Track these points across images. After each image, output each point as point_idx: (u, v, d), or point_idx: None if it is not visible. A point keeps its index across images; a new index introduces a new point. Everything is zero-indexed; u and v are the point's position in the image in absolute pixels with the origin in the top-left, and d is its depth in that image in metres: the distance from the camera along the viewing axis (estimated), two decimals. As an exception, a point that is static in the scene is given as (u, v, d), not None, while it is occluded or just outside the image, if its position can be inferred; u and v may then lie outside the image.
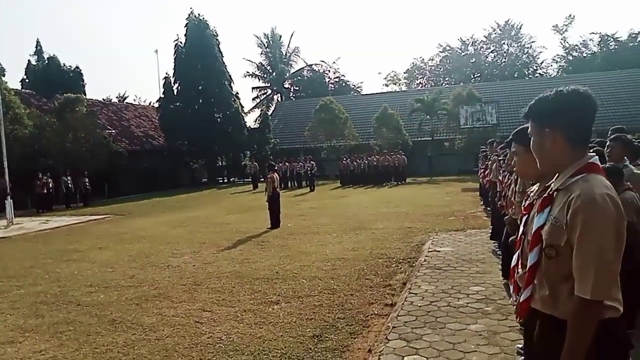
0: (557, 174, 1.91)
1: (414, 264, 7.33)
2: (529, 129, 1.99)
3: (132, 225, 14.24)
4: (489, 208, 10.68)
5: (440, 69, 55.97)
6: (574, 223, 1.72)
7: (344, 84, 55.83)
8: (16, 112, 20.66)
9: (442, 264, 7.05)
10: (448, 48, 54.31)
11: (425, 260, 7.35)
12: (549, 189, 1.91)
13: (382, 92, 47.44)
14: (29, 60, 37.41)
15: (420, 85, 55.94)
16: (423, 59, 57.02)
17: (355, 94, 51.59)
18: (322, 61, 56.79)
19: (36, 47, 38.02)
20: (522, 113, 2.02)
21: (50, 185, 20.57)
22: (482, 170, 11.37)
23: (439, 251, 7.97)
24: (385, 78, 58.81)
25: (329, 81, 56.30)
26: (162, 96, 32.90)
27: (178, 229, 12.87)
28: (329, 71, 56.59)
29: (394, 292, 6.05)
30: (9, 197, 15.81)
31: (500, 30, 51.90)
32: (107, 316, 5.72)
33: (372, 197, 18.98)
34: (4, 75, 19.02)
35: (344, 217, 13.14)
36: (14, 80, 30.86)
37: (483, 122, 28.52)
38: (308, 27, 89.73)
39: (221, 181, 34.97)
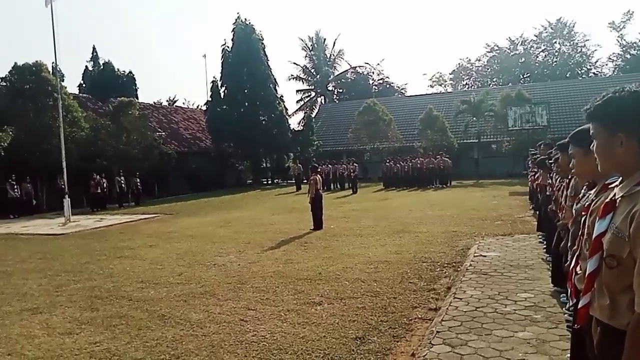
0: (619, 178, 1.83)
1: (459, 269, 7.19)
2: (592, 131, 1.88)
3: (180, 224, 14.70)
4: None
5: (488, 69, 54.60)
6: (637, 237, 1.63)
7: (387, 86, 55.47)
8: (74, 115, 21.76)
9: (489, 269, 6.88)
10: (496, 48, 52.94)
11: (470, 265, 7.20)
12: (612, 195, 1.83)
13: (427, 94, 46.80)
14: (86, 66, 39.33)
15: (467, 86, 54.77)
16: (469, 60, 55.87)
17: (400, 95, 51.13)
18: (366, 63, 56.77)
19: (92, 53, 39.92)
20: (582, 113, 1.92)
21: (105, 185, 21.57)
22: (531, 174, 11.00)
23: (485, 256, 7.78)
24: (430, 79, 58.06)
25: (372, 83, 56.09)
26: (210, 99, 33.81)
27: (224, 228, 13.18)
28: (373, 73, 56.44)
29: (438, 296, 5.97)
30: (66, 195, 16.68)
31: (551, 28, 50.07)
32: (157, 311, 5.93)
33: (415, 200, 18.75)
34: (63, 81, 20.04)
35: (387, 220, 13.05)
36: (72, 85, 32.92)
37: (533, 124, 27.57)
38: (352, 29, 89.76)
39: (265, 182, 35.51)
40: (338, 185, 27.21)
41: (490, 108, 30.01)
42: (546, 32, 50.47)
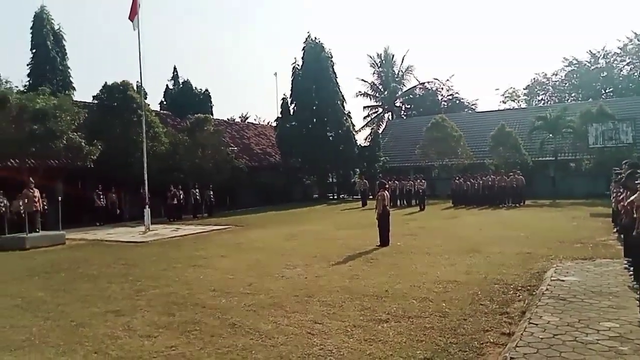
0: None
1: (534, 293, 6.85)
2: None
3: (250, 236, 15.16)
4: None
5: (566, 84, 51.81)
6: None
7: (457, 102, 54.21)
8: (155, 130, 23.21)
9: (567, 295, 6.49)
10: (575, 62, 50.14)
11: (547, 290, 6.83)
12: None
13: (499, 110, 45.21)
14: (167, 85, 41.87)
15: (542, 101, 52.27)
16: (545, 74, 53.29)
17: (470, 111, 49.76)
18: (435, 79, 55.83)
19: (173, 73, 42.47)
20: None
21: (181, 196, 22.75)
22: (615, 194, 10.29)
23: (563, 280, 7.36)
24: (503, 95, 55.84)
25: (441, 99, 55.08)
26: (280, 116, 34.77)
27: (291, 241, 13.43)
28: (442, 89, 55.44)
29: (511, 320, 5.72)
30: (147, 206, 17.76)
31: (638, 40, 46.74)
32: (228, 320, 6.16)
33: (486, 219, 18.08)
34: (146, 98, 21.50)
35: (456, 239, 12.70)
36: (154, 102, 35.20)
37: (616, 142, 25.79)
38: (422, 45, 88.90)
39: (331, 197, 35.76)
40: (405, 202, 26.83)
41: (568, 125, 28.44)
42: (632, 45, 47.20)
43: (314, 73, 32.82)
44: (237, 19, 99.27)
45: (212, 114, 33.21)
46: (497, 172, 26.33)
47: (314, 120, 33.42)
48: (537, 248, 10.69)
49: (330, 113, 33.32)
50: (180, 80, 41.34)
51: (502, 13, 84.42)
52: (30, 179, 15.70)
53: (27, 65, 31.04)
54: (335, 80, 34.34)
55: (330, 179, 37.32)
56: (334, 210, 25.08)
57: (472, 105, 54.41)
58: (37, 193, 15.10)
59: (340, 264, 9.69)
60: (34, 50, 30.90)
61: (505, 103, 55.12)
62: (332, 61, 34.38)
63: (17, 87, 20.81)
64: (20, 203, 15.50)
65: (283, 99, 34.54)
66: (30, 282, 8.97)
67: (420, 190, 24.68)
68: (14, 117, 17.23)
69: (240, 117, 55.24)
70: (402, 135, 39.55)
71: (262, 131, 40.41)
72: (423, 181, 25.47)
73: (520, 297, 6.74)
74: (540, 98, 53.66)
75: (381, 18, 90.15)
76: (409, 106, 56.24)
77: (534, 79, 54.09)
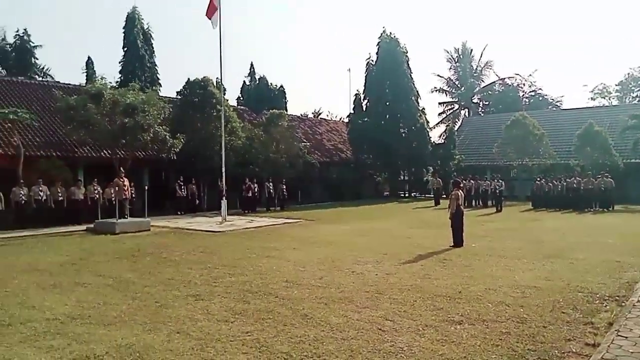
0: None
1: (623, 304, 6.39)
2: None
3: (320, 230, 15.36)
4: None
5: (665, 79, 47.33)
6: None
7: (540, 98, 51.27)
8: (233, 125, 24.14)
9: (663, 309, 5.98)
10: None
11: (639, 301, 6.33)
12: None
13: (587, 107, 42.14)
14: (244, 81, 43.43)
15: (637, 98, 48.11)
16: (642, 69, 48.96)
17: (554, 108, 46.88)
18: (516, 74, 53.09)
19: (250, 69, 43.95)
20: None
21: (256, 189, 23.51)
22: None
23: (658, 293, 6.78)
24: (592, 91, 52.04)
25: (523, 95, 52.35)
26: (352, 112, 34.81)
27: (361, 237, 13.45)
28: (524, 84, 52.64)
29: (596, 331, 5.37)
30: (224, 197, 18.55)
31: None
32: (300, 311, 6.31)
33: (570, 223, 17.02)
34: (225, 94, 22.37)
35: (536, 243, 12.08)
36: (232, 98, 36.99)
37: None
38: (502, 39, 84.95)
39: (402, 195, 35.29)
40: (480, 203, 25.90)
41: (668, 123, 25.97)
42: None
43: (388, 68, 32.49)
44: (313, 15, 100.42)
45: (286, 110, 33.95)
46: (584, 174, 24.64)
47: (387, 116, 33.10)
48: (627, 256, 9.92)
49: (404, 109, 32.84)
50: (257, 77, 42.68)
51: (591, 9, 78.57)
52: (121, 168, 16.96)
53: (119, 62, 33.50)
54: (410, 75, 33.78)
55: (402, 177, 36.84)
56: (406, 209, 24.75)
57: (557, 102, 51.21)
58: (126, 182, 16.30)
59: (411, 263, 9.57)
60: (125, 49, 33.26)
61: (594, 100, 51.41)
62: (407, 56, 33.84)
63: (110, 83, 22.45)
64: (112, 191, 16.81)
65: (356, 94, 34.53)
66: (120, 264, 9.72)
67: (498, 191, 23.70)
68: (107, 111, 18.65)
69: (313, 112, 55.95)
70: (479, 133, 38.13)
71: (334, 127, 40.66)
72: (501, 181, 24.44)
73: (607, 307, 6.30)
74: (635, 95, 49.47)
75: (459, 12, 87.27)
76: (487, 103, 54.04)
77: (629, 74, 49.93)
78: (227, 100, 26.91)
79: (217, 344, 5.11)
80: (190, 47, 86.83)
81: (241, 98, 42.15)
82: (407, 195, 35.51)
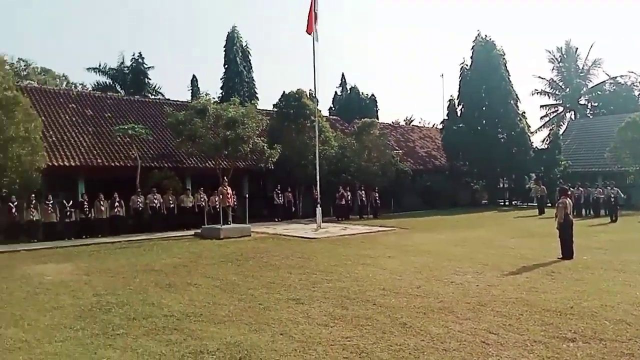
0: None
1: None
2: None
3: (415, 239, 15.12)
4: None
5: None
6: None
7: (660, 97, 46.12)
8: (326, 135, 24.69)
9: None
10: None
11: None
12: None
13: None
14: (335, 92, 44.27)
15: None
16: None
17: (677, 107, 41.88)
18: (629, 72, 48.27)
19: (341, 80, 44.69)
20: None
21: (349, 197, 23.75)
22: None
23: None
24: None
25: (639, 95, 47.44)
26: (446, 118, 33.92)
27: (459, 247, 13.03)
28: (639, 83, 47.66)
29: None
30: (318, 205, 18.98)
31: None
32: (399, 319, 6.28)
33: (702, 236, 15.08)
34: (318, 105, 22.96)
35: (660, 256, 10.88)
36: (324, 108, 37.96)
37: None
38: (611, 35, 77.79)
39: (502, 203, 33.56)
40: (591, 212, 23.86)
41: None
42: None
43: (484, 72, 31.27)
44: (404, 22, 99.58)
45: (377, 118, 34.01)
46: None
47: (484, 121, 31.84)
48: None
49: (502, 113, 31.37)
50: (348, 87, 43.26)
51: None
52: (224, 178, 18.05)
53: (221, 79, 35.80)
54: (508, 78, 32.22)
55: (501, 184, 35.09)
56: (506, 218, 23.51)
57: (680, 100, 45.73)
58: (229, 190, 17.32)
59: (514, 275, 9.09)
60: (226, 66, 35.48)
61: None
62: (504, 59, 32.34)
63: (213, 98, 24.01)
64: (216, 199, 17.95)
65: (450, 100, 33.65)
66: (225, 267, 10.35)
67: (612, 199, 21.68)
68: (211, 124, 19.98)
69: (405, 120, 55.33)
70: (588, 137, 35.23)
71: (427, 134, 39.88)
72: (615, 189, 22.33)
73: None
74: None
75: (560, 10, 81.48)
76: (595, 104, 49.69)
77: None
78: (320, 110, 27.54)
79: (318, 347, 5.26)
80: (285, 61, 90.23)
81: (333, 108, 42.97)
82: (507, 203, 33.70)
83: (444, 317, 6.36)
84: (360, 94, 40.57)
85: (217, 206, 17.44)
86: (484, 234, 16.22)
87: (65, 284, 8.73)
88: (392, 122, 42.09)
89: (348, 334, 5.71)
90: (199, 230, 16.70)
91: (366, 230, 17.71)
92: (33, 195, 16.10)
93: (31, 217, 15.79)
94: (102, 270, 10.12)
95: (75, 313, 6.71)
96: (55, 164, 17.95)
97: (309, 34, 18.91)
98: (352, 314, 6.58)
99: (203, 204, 19.04)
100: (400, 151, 31.19)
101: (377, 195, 24.90)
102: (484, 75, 31.25)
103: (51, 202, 16.26)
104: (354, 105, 38.51)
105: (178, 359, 4.98)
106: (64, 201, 16.76)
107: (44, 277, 9.36)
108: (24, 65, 41.73)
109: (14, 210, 15.52)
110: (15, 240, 15.19)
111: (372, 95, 40.54)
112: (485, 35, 32.36)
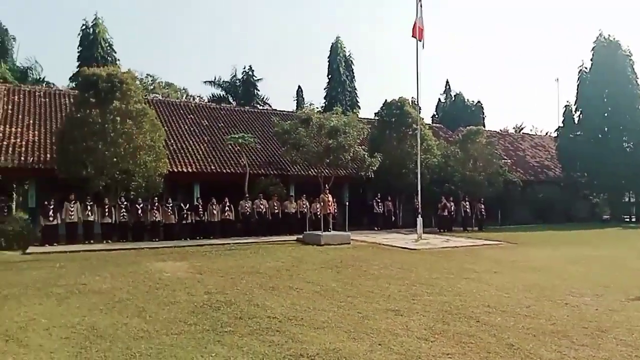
0: None
1: None
2: None
3: (524, 254, 14.18)
4: None
5: None
6: None
7: None
8: (428, 143, 24.16)
9: None
10: None
11: None
12: None
13: None
14: (439, 99, 43.18)
15: None
16: None
17: None
18: None
19: (445, 86, 43.52)
20: None
21: (452, 208, 22.95)
22: None
23: None
24: None
25: None
26: (561, 125, 31.52)
27: (575, 265, 11.97)
28: None
29: None
30: (419, 215, 18.59)
31: None
32: (505, 339, 5.93)
33: None
34: (420, 113, 22.53)
35: None
36: (427, 116, 37.25)
37: None
38: None
39: (628, 219, 30.21)
40: None
41: None
42: None
43: (606, 75, 28.63)
44: (511, 23, 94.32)
45: (484, 126, 32.57)
46: None
47: (606, 128, 29.13)
48: None
49: (628, 121, 28.44)
50: (452, 94, 41.98)
51: None
52: (326, 185, 18.45)
53: (324, 89, 36.76)
54: (636, 81, 29.14)
55: (627, 198, 31.63)
56: (633, 235, 21.12)
57: None
58: (330, 198, 17.65)
59: (643, 300, 8.14)
60: (329, 76, 36.37)
61: None
62: (631, 60, 29.34)
63: (317, 108, 24.75)
64: (318, 206, 18.40)
65: (566, 106, 31.32)
66: (325, 274, 10.54)
67: None
68: (314, 133, 20.57)
69: (514, 127, 52.28)
70: None
71: (539, 142, 37.29)
72: None
73: None
74: None
75: None
76: None
77: None
78: (423, 118, 27.03)
79: (418, 361, 5.15)
80: (387, 69, 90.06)
81: (436, 116, 41.98)
82: (634, 219, 30.26)
83: (556, 341, 5.89)
84: (466, 100, 39.22)
85: (319, 213, 17.85)
86: (606, 252, 14.74)
87: (181, 281, 9.50)
88: (500, 130, 39.98)
89: (449, 351, 5.52)
90: (301, 236, 17.21)
91: (470, 243, 16.98)
92: (156, 198, 17.78)
93: (154, 218, 17.41)
94: (213, 270, 10.85)
95: (189, 309, 7.27)
96: (175, 170, 19.68)
97: (416, 38, 18.69)
98: (454, 329, 6.34)
99: (305, 210, 19.61)
100: (509, 161, 29.51)
101: (482, 206, 23.77)
102: (607, 78, 28.59)
103: (171, 205, 17.82)
104: (458, 113, 37.34)
105: (280, 360, 5.19)
106: (182, 204, 18.29)
107: (163, 274, 10.27)
108: (151, 80, 46.34)
109: (139, 211, 17.22)
110: (140, 239, 16.89)
111: (479, 102, 39.06)
112: (609, 35, 29.66)
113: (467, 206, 23.57)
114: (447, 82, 43.39)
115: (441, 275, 10.39)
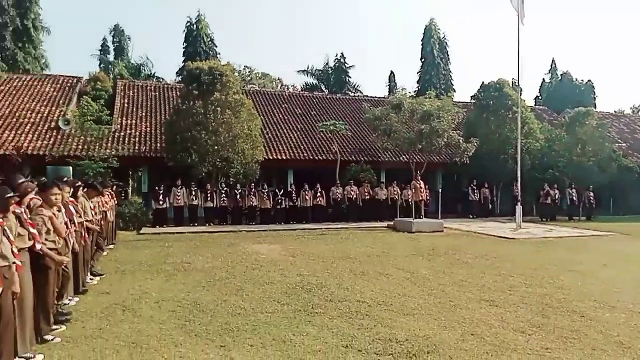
0: None
1: None
2: None
3: (639, 247, 12.87)
4: None
5: None
6: None
7: None
8: (530, 127, 22.66)
9: None
10: None
11: None
12: None
13: None
14: (543, 79, 40.19)
15: None
16: None
17: None
18: None
19: (551, 66, 40.35)
20: None
21: (556, 196, 21.40)
22: None
23: None
24: None
25: None
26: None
27: None
28: None
29: None
30: (519, 203, 17.58)
31: None
32: (614, 337, 5.46)
33: None
34: (521, 95, 21.14)
35: None
36: (529, 98, 34.69)
37: None
38: None
39: None
40: None
41: None
42: None
43: None
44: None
45: (595, 107, 29.80)
46: None
47: None
48: None
49: None
50: (559, 73, 38.85)
51: None
52: (418, 172, 18.11)
53: (417, 73, 35.88)
54: None
55: None
56: None
57: None
58: (422, 185, 17.33)
59: None
60: (423, 60, 35.39)
61: None
62: None
63: (410, 93, 24.25)
64: (409, 193, 18.15)
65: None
66: (416, 261, 10.42)
67: None
68: (406, 119, 20.21)
69: (631, 108, 47.10)
70: None
71: (662, 124, 33.26)
72: None
73: None
74: None
75: None
76: None
77: None
78: (525, 101, 25.37)
79: (513, 354, 4.94)
80: (485, 50, 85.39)
81: (540, 97, 39.16)
82: None
83: (676, 342, 5.31)
84: (574, 80, 36.03)
85: (410, 200, 17.60)
86: None
87: (275, 262, 9.94)
88: (615, 112, 36.26)
89: (549, 345, 5.21)
90: (392, 223, 17.11)
91: (576, 234, 15.76)
92: (253, 184, 18.68)
93: (251, 203, 18.33)
94: (305, 253, 11.20)
95: (283, 289, 7.60)
96: (271, 157, 20.50)
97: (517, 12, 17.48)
98: (555, 324, 5.97)
99: (396, 197, 19.45)
100: (625, 145, 26.74)
101: (592, 194, 21.87)
102: None
103: (266, 190, 18.62)
104: (565, 94, 34.44)
105: (369, 344, 5.23)
106: (277, 190, 19.04)
107: (259, 256, 10.82)
108: (248, 72, 48.37)
109: (238, 197, 18.21)
110: (238, 222, 17.89)
111: (589, 81, 35.68)
112: None
113: (574, 194, 21.83)
114: (553, 60, 40.49)
115: (541, 267, 9.78)
